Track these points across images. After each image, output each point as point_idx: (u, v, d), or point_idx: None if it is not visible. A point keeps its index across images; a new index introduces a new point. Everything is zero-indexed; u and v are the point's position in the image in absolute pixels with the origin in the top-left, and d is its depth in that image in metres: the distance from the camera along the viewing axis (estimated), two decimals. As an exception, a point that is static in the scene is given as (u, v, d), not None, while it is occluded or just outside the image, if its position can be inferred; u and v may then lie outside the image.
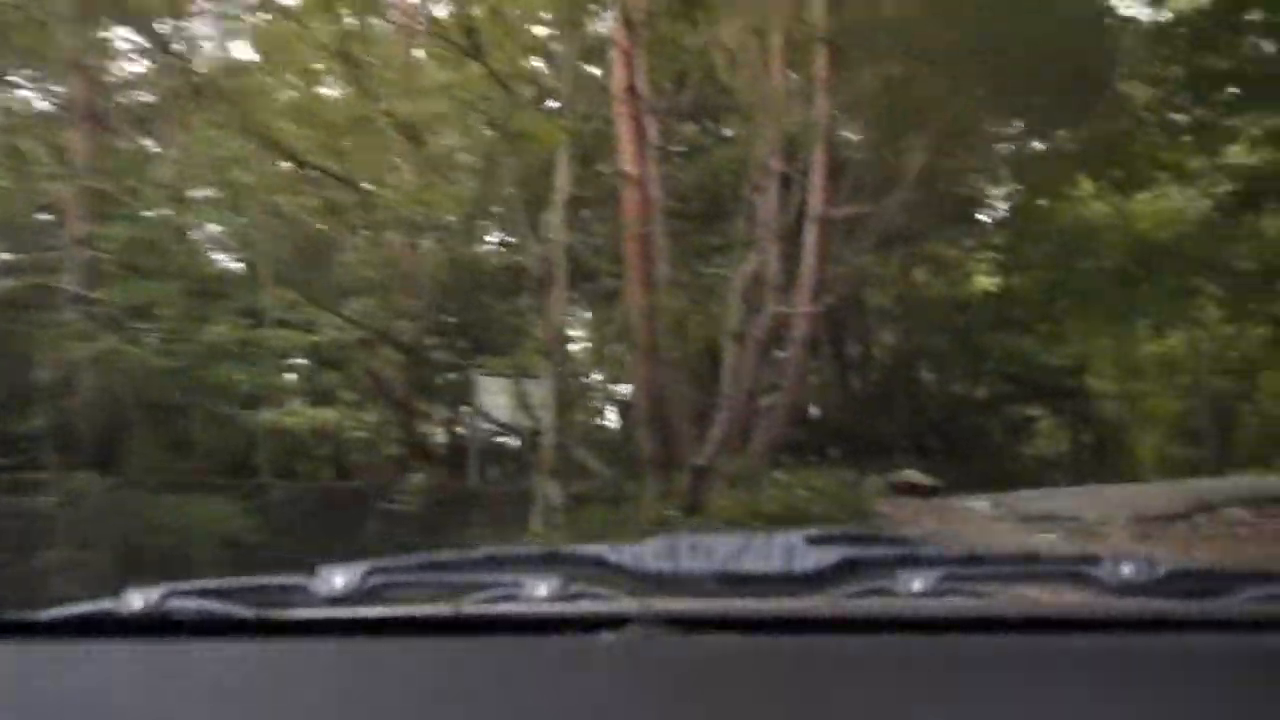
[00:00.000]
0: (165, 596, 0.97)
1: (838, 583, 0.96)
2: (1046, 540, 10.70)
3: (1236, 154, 14.98)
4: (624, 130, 11.48)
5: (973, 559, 1.05)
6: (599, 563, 1.01)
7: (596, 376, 17.33)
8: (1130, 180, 16.67)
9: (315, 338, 10.22)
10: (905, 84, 12.15)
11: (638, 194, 11.32)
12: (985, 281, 25.31)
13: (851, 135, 15.88)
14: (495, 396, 13.70)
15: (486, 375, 14.31)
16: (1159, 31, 15.01)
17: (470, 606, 0.95)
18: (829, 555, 0.97)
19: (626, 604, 0.96)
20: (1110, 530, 11.64)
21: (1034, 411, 27.33)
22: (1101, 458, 26.64)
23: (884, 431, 27.04)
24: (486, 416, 13.25)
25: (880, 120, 12.77)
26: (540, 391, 11.55)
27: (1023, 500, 14.23)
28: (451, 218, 12.66)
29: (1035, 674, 0.81)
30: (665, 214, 12.86)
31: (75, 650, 0.96)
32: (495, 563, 1.06)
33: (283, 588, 1.04)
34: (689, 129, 15.17)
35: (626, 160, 11.48)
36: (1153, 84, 15.36)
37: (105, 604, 1.00)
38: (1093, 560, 0.98)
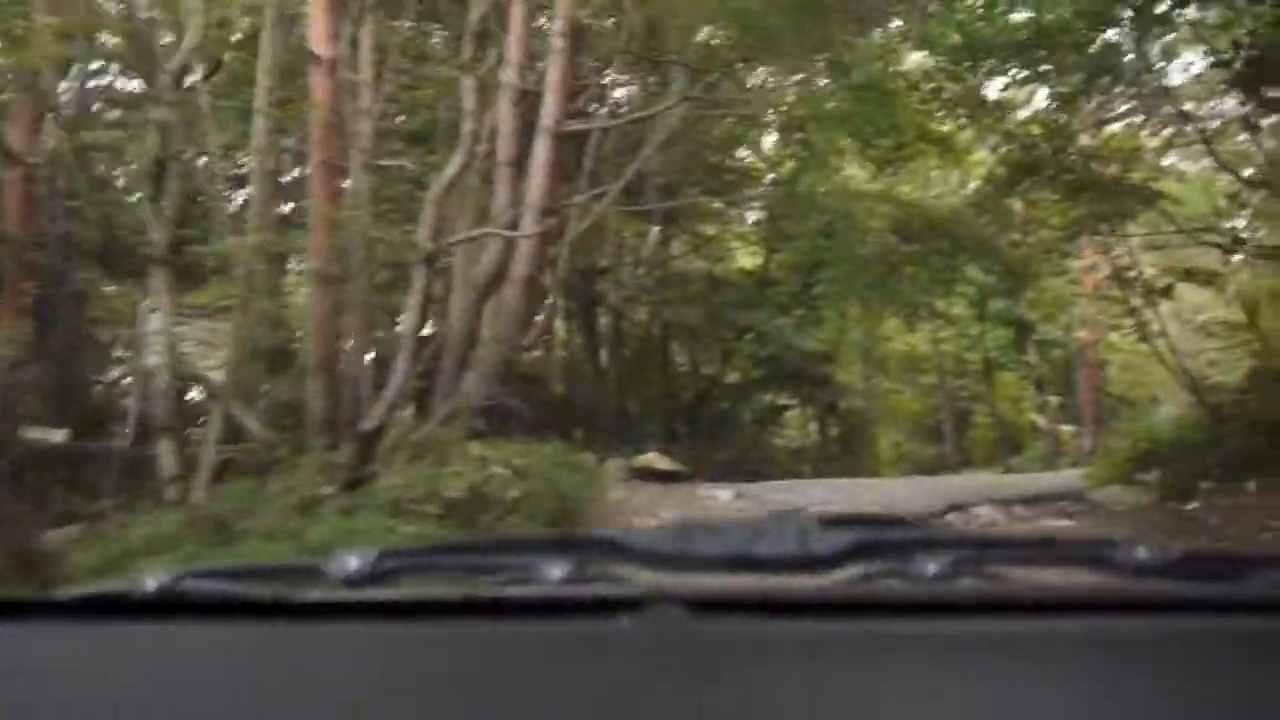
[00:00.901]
0: (180, 578, 0.98)
1: (852, 565, 0.96)
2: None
3: (1016, 129, 14.07)
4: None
5: (987, 542, 1.09)
6: (612, 545, 1.01)
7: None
8: (898, 151, 15.59)
9: None
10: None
11: (328, 81, 8.80)
12: (746, 260, 24.22)
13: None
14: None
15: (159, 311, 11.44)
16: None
17: (484, 589, 0.97)
18: (844, 538, 0.97)
19: (641, 586, 0.95)
20: (861, 527, 10.42)
21: (785, 400, 26.70)
22: (847, 451, 26.37)
23: (634, 412, 25.91)
24: (133, 361, 10.38)
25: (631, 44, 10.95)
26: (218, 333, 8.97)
27: (769, 491, 13.06)
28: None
29: (1050, 656, 0.81)
30: (382, 132, 10.43)
31: (90, 631, 0.96)
32: (509, 546, 1.10)
33: (297, 570, 1.08)
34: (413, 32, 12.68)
35: (316, 38, 8.92)
36: (929, 49, 14.29)
37: (121, 585, 1.01)
38: (1107, 543, 0.98)
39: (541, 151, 9.11)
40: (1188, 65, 12.92)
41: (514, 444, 8.65)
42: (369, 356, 8.93)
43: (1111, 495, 13.10)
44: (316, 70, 8.90)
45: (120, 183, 11.97)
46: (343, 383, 8.12)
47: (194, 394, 11.15)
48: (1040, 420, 28.81)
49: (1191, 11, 11.39)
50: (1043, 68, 13.48)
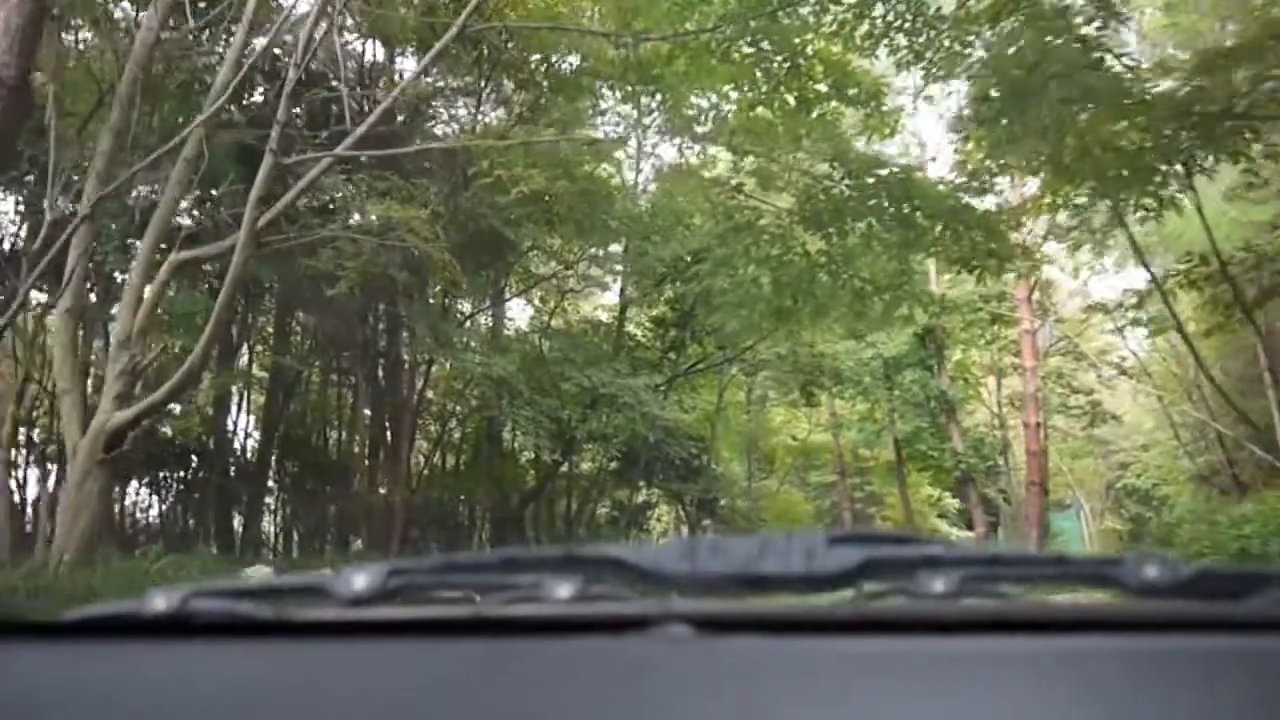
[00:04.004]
0: (187, 598, 0.96)
1: (860, 583, 0.94)
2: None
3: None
4: None
5: (995, 560, 0.99)
6: (618, 564, 0.98)
7: None
8: (803, 115, 10.35)
9: None
10: None
11: None
12: (596, 309, 18.72)
13: None
14: None
15: None
16: None
17: (491, 608, 0.94)
18: (850, 556, 0.93)
19: (648, 605, 0.93)
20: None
21: (649, 494, 21.08)
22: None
23: (458, 512, 20.37)
24: None
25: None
26: None
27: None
28: None
29: (1059, 675, 0.78)
30: None
31: (97, 652, 0.93)
32: (514, 564, 1.03)
33: (304, 589, 1.06)
34: None
35: None
36: None
37: (127, 605, 0.98)
38: (1117, 561, 0.93)
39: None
40: None
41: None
42: None
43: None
44: None
45: None
46: None
47: None
48: (961, 532, 23.72)
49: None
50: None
